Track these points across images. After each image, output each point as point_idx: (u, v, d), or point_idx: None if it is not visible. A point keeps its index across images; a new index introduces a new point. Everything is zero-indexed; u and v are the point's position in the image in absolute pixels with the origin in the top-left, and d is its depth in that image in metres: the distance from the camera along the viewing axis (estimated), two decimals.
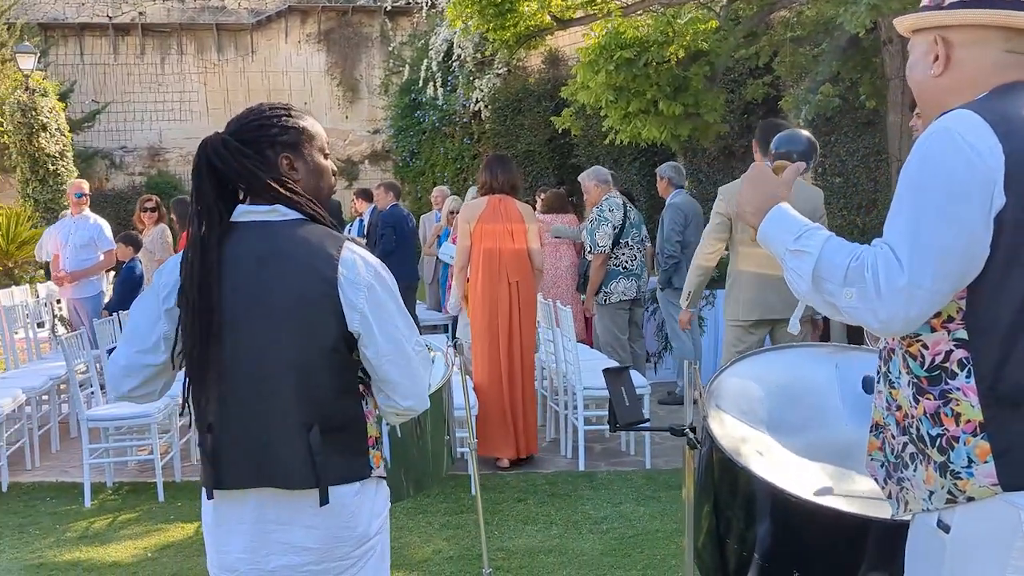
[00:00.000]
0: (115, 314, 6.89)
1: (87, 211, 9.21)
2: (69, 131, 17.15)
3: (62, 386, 7.49)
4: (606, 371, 2.96)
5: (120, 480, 6.23)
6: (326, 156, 2.35)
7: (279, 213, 2.20)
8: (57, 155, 16.40)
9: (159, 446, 5.91)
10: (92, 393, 6.35)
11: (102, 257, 8.75)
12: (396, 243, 9.22)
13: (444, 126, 17.07)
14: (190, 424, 2.35)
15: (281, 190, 2.19)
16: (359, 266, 2.19)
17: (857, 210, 10.39)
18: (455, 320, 8.24)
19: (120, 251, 8.43)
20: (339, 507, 2.18)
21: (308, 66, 24.00)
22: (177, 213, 8.85)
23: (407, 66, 18.46)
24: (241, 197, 2.28)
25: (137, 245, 8.40)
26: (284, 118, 2.27)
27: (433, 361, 3.58)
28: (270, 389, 2.15)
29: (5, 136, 15.46)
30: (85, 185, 9.54)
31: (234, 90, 23.84)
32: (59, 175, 16.13)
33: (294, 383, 2.14)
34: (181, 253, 2.26)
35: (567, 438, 6.52)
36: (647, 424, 3.01)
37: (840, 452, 2.81)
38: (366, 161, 23.89)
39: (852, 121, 10.40)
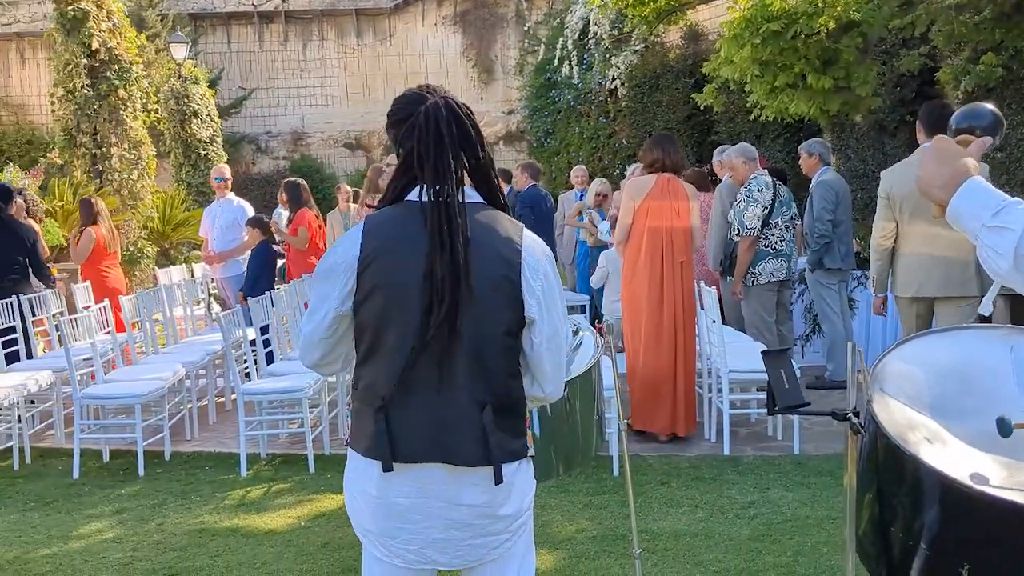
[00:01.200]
0: (268, 293, 7.13)
1: (230, 194, 9.73)
2: (218, 117, 17.85)
3: (217, 360, 7.84)
4: (765, 353, 2.88)
5: (272, 452, 6.47)
6: None
7: (462, 196, 2.22)
8: (208, 140, 17.10)
9: (309, 420, 6.11)
10: (247, 368, 6.60)
11: (245, 237, 9.13)
12: (535, 223, 9.24)
13: (579, 105, 16.96)
14: (350, 396, 2.40)
15: (490, 164, 2.27)
16: (537, 252, 2.24)
17: (1022, 188, 9.80)
18: (593, 299, 8.20)
19: (249, 235, 8.68)
20: (500, 485, 2.21)
21: (444, 48, 24.28)
22: (290, 195, 9.18)
23: (542, 45, 18.41)
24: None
25: (265, 228, 8.68)
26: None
27: (582, 341, 3.57)
28: (448, 367, 2.17)
29: (161, 123, 16.20)
30: (226, 170, 10.01)
31: (372, 74, 24.37)
32: (209, 160, 16.82)
33: (472, 364, 2.17)
34: (354, 230, 2.29)
35: (711, 421, 6.40)
36: (808, 407, 2.91)
37: (1015, 440, 2.66)
38: (500, 142, 24.04)
39: (1016, 92, 9.78)
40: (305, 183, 9.43)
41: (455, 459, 2.18)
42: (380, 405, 2.19)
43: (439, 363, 2.17)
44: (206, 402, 7.56)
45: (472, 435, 2.17)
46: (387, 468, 2.20)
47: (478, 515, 2.23)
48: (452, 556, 2.27)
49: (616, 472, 5.63)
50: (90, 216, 8.95)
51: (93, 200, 9.25)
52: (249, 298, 7.09)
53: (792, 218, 7.29)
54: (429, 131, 2.16)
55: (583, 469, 5.54)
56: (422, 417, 2.19)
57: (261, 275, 8.30)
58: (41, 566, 4.58)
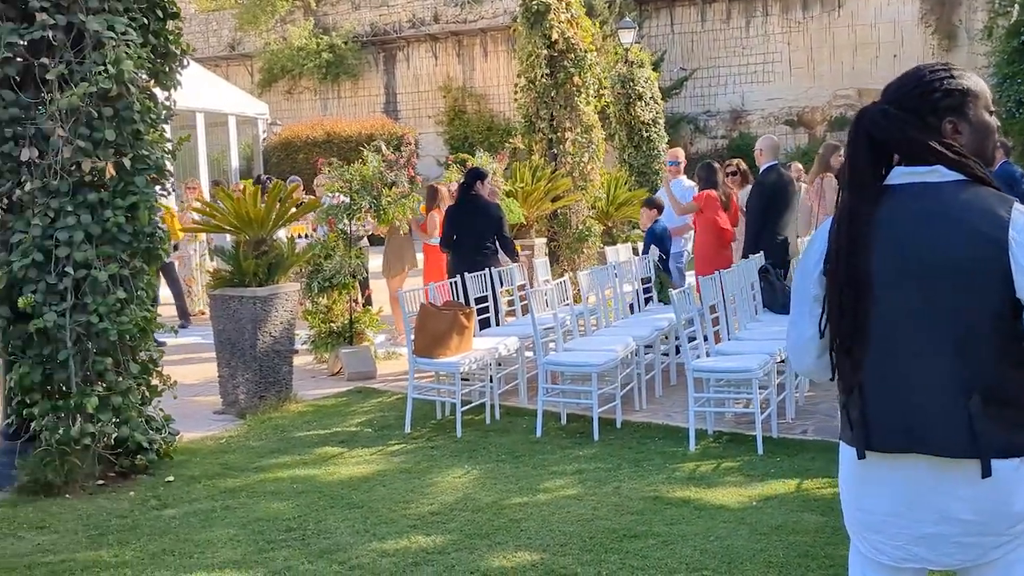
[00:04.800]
0: (719, 273, 7.18)
1: (682, 176, 10.38)
2: (660, 99, 18.27)
3: (664, 336, 8.06)
4: None
5: (719, 429, 6.52)
6: (991, 113, 2.27)
7: (939, 174, 2.17)
8: (650, 122, 17.58)
9: (759, 400, 6.07)
10: (696, 346, 6.69)
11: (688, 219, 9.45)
12: None
13: None
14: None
15: (948, 153, 2.15)
16: None
17: None
18: None
19: (646, 214, 9.48)
20: (998, 481, 2.08)
21: (899, 15, 22.74)
22: (701, 177, 9.21)
23: (1016, 5, 16.52)
24: (896, 160, 2.26)
25: (659, 208, 9.28)
26: (946, 80, 2.22)
27: None
28: (927, 352, 2.11)
29: (609, 107, 16.93)
30: (680, 153, 10.43)
31: (818, 47, 23.52)
32: (651, 141, 17.33)
33: (953, 347, 2.09)
34: (828, 220, 2.29)
35: None
36: None
37: None
38: None
39: None
40: (717, 165, 9.43)
41: (929, 448, 2.10)
42: (853, 395, 2.20)
43: (916, 352, 2.11)
44: (653, 375, 7.81)
45: (953, 424, 2.07)
46: (860, 456, 2.19)
47: (975, 511, 2.11)
48: (942, 553, 2.17)
49: None
50: (434, 200, 10.14)
51: (438, 187, 10.50)
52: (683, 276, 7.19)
53: None
54: (851, 138, 2.24)
55: None
56: (896, 406, 2.14)
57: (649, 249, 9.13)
58: (515, 512, 5.04)
